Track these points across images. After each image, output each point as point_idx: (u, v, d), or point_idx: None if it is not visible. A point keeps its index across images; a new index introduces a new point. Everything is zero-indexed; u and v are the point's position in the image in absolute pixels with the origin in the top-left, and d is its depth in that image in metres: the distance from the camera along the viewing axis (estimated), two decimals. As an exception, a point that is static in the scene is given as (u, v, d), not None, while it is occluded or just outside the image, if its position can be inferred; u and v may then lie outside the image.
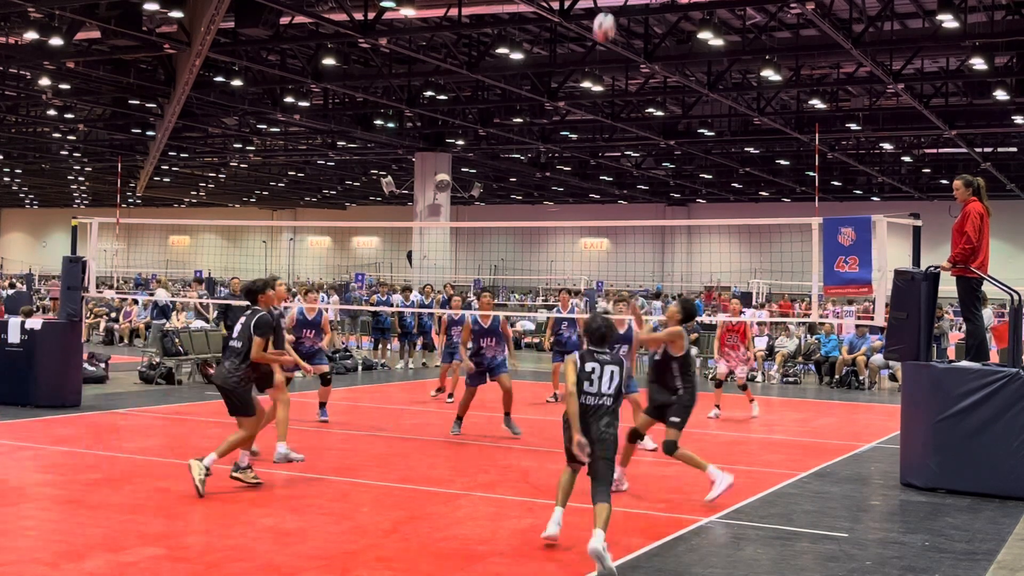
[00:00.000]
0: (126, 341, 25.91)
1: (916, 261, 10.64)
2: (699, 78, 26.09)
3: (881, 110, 30.56)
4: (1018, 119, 28.93)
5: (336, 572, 6.61)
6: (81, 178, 54.97)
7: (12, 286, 35.35)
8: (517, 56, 22.85)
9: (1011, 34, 21.26)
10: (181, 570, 6.55)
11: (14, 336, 13.75)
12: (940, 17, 19.31)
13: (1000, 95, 24.69)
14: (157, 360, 17.63)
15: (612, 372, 7.33)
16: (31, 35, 21.87)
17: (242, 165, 47.94)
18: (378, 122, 33.76)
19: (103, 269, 33.42)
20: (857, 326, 19.92)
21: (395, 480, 9.62)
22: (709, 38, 20.31)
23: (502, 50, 23.17)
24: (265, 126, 36.51)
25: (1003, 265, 24.12)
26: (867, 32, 21.12)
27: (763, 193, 50.77)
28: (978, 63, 22.28)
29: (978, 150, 35.47)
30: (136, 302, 26.72)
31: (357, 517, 8.13)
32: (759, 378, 21.04)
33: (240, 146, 40.94)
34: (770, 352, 21.41)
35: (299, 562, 6.76)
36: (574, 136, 36.41)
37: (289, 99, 29.83)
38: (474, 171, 46.26)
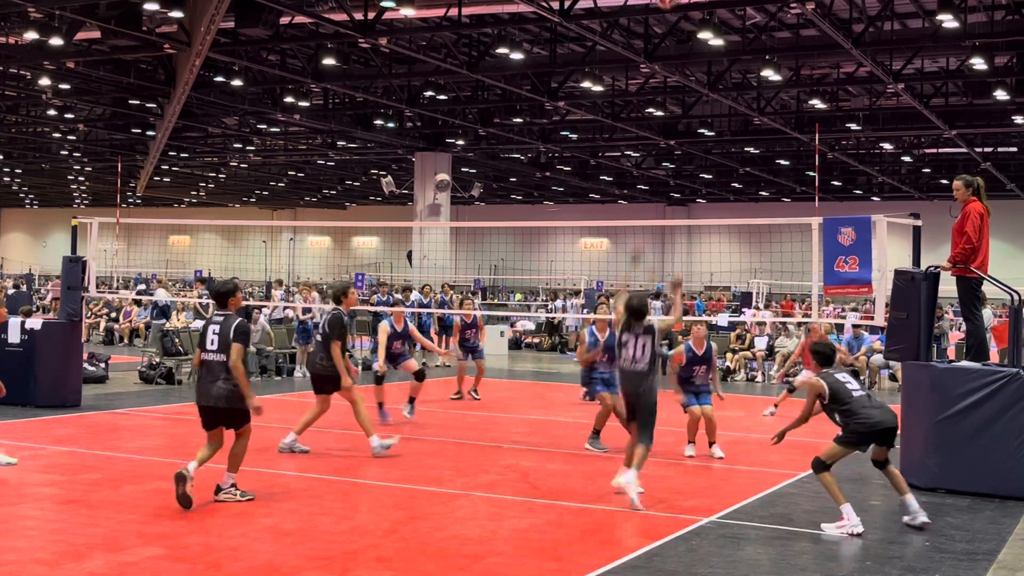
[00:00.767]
0: (126, 341, 25.91)
1: (916, 261, 10.64)
2: (699, 78, 26.08)
3: (881, 110, 30.56)
4: (1018, 119, 28.93)
5: (336, 572, 6.62)
6: (81, 178, 54.98)
7: (16, 287, 35.35)
8: (517, 56, 22.85)
9: (1011, 34, 21.26)
10: (181, 570, 6.55)
11: (14, 336, 13.75)
12: (940, 17, 19.31)
13: (1000, 95, 24.68)
14: (157, 360, 17.63)
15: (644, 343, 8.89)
16: (31, 35, 21.86)
17: (242, 165, 47.94)
18: (378, 122, 33.76)
19: (103, 269, 33.44)
20: (854, 327, 19.93)
21: (395, 480, 9.62)
22: (709, 38, 20.30)
23: (502, 50, 23.17)
24: (265, 126, 36.51)
25: (1003, 265, 24.11)
26: (867, 32, 21.11)
27: (763, 193, 50.78)
28: (978, 63, 22.28)
29: (978, 150, 35.46)
30: (137, 303, 26.72)
31: (357, 517, 8.13)
32: (759, 378, 21.04)
33: (240, 146, 40.94)
34: (770, 352, 21.41)
35: (299, 562, 6.76)
36: (574, 136, 36.41)
37: (289, 99, 29.83)
38: (474, 171, 46.26)
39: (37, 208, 75.61)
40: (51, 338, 13.85)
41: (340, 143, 39.27)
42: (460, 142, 36.74)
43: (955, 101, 28.50)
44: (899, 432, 10.43)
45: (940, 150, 37.89)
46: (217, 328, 8.36)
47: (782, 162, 41.09)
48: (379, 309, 21.81)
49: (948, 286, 10.16)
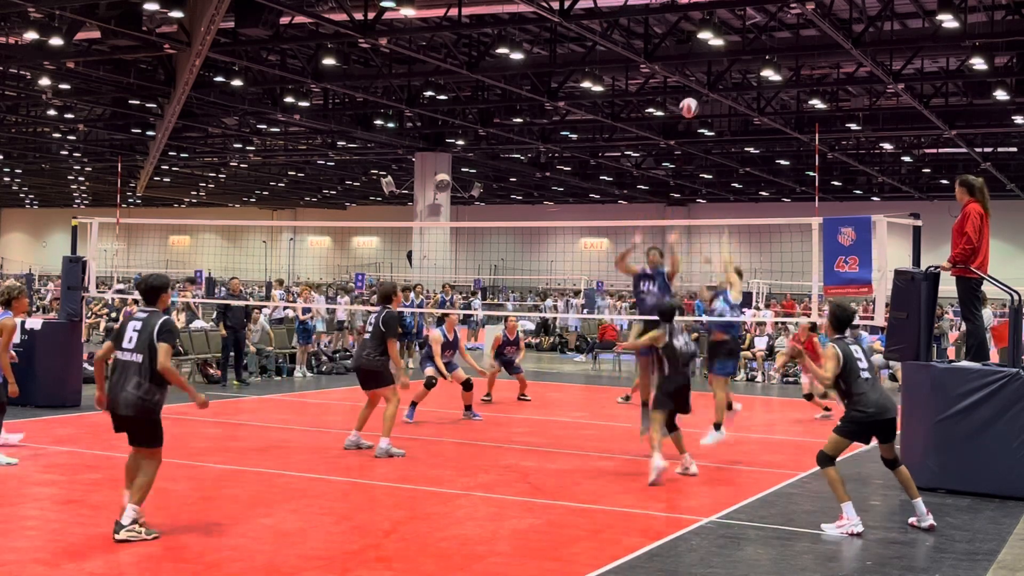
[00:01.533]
0: (126, 341, 25.87)
1: (916, 261, 10.64)
2: (699, 78, 26.08)
3: (881, 110, 30.56)
4: (1018, 119, 28.93)
5: (336, 572, 6.61)
6: (81, 178, 54.98)
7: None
8: (517, 56, 22.85)
9: (1011, 34, 21.26)
10: (181, 570, 6.55)
11: (14, 336, 13.74)
12: (940, 17, 19.31)
13: (1000, 95, 24.68)
14: (157, 360, 17.60)
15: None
16: (31, 35, 21.86)
17: (242, 165, 47.94)
18: (378, 122, 33.76)
19: (103, 269, 33.42)
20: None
21: (395, 480, 9.62)
22: (709, 38, 20.30)
23: (502, 50, 23.17)
24: (265, 126, 36.51)
25: (1003, 265, 24.10)
26: (867, 32, 21.11)
27: (763, 193, 50.78)
28: (978, 63, 22.28)
29: (978, 150, 35.46)
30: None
31: (357, 517, 8.13)
32: (759, 378, 21.04)
33: (240, 146, 40.94)
34: (770, 352, 21.41)
35: (299, 562, 6.76)
36: (574, 136, 36.41)
37: (289, 99, 29.83)
38: (474, 171, 46.26)
39: (37, 208, 75.61)
40: (51, 338, 13.85)
41: (340, 143, 39.27)
42: (460, 142, 36.74)
43: (955, 101, 28.50)
44: (899, 430, 10.46)
45: (940, 150, 37.88)
46: (139, 325, 7.35)
47: (782, 162, 41.09)
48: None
49: (948, 286, 10.16)
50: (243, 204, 65.80)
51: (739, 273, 12.64)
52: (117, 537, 6.97)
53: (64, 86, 29.23)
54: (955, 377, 9.66)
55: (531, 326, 31.71)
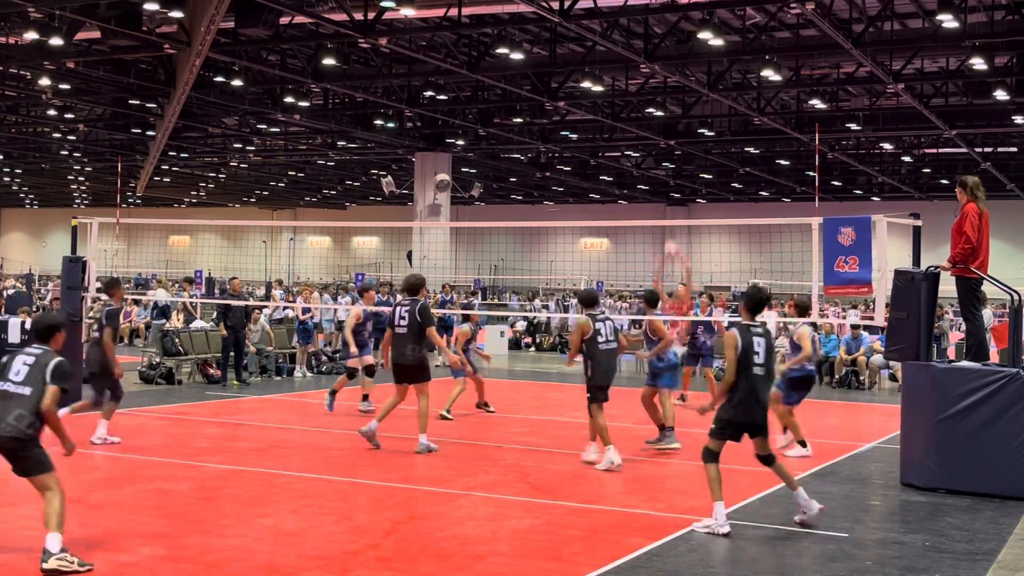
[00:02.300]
0: (126, 341, 25.91)
1: (916, 261, 10.64)
2: (699, 78, 26.08)
3: (881, 110, 30.55)
4: (1018, 119, 28.92)
5: (336, 572, 6.61)
6: (81, 178, 54.98)
7: (16, 287, 35.33)
8: (517, 56, 22.84)
9: (1011, 34, 21.25)
10: (181, 570, 6.55)
11: (14, 336, 13.76)
12: (940, 17, 19.30)
13: (1000, 95, 24.68)
14: (157, 360, 17.63)
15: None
16: (31, 35, 21.86)
17: (242, 165, 47.94)
18: (378, 122, 33.75)
19: (103, 269, 33.41)
20: (852, 327, 19.92)
21: (395, 480, 9.62)
22: (709, 38, 20.30)
23: (502, 50, 23.16)
24: (265, 126, 36.51)
25: (1003, 265, 24.06)
26: (867, 32, 21.11)
27: (763, 193, 50.76)
28: (978, 63, 22.28)
29: (978, 150, 35.45)
30: (137, 302, 26.74)
31: (357, 517, 8.13)
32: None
33: (240, 146, 40.94)
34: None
35: (299, 562, 6.76)
36: (574, 136, 36.41)
37: (289, 99, 29.82)
38: (474, 171, 46.26)
39: (37, 208, 75.61)
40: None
41: (340, 143, 39.27)
42: (460, 142, 36.73)
43: (955, 101, 28.50)
44: (899, 430, 10.46)
45: (940, 150, 37.88)
46: (31, 360, 7.04)
47: (782, 162, 41.08)
48: (379, 309, 21.81)
49: (948, 286, 10.16)
50: (243, 204, 65.78)
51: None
52: (45, 566, 6.53)
53: (64, 86, 29.22)
54: (955, 377, 9.66)
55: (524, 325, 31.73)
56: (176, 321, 21.55)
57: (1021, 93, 24.98)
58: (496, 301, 44.17)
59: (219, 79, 27.39)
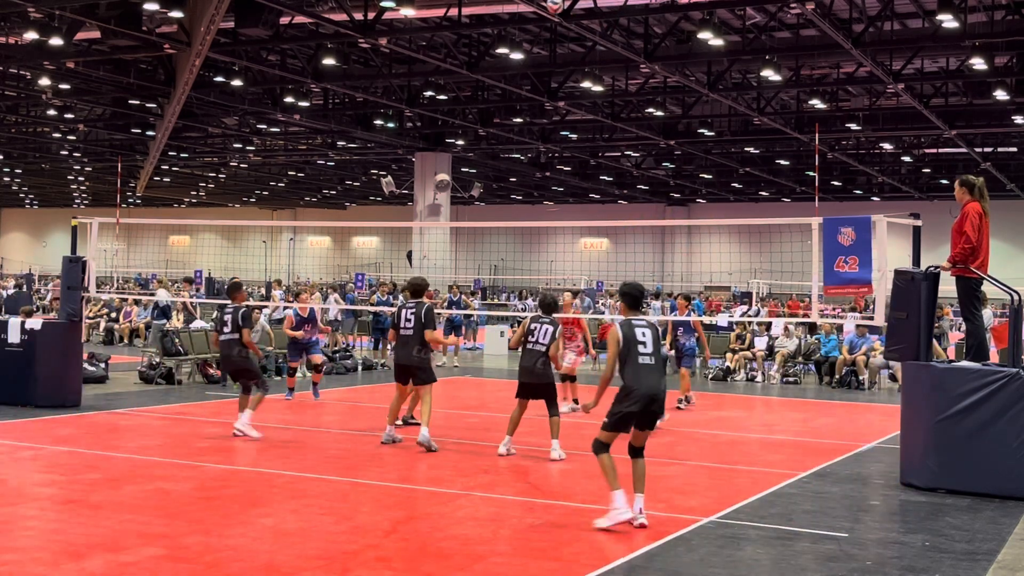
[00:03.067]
0: (126, 341, 25.91)
1: (916, 261, 10.64)
2: (699, 78, 26.09)
3: (881, 110, 30.56)
4: (1018, 119, 28.93)
5: (336, 572, 6.61)
6: (81, 178, 54.99)
7: (18, 287, 35.30)
8: (517, 56, 22.85)
9: (1011, 34, 21.26)
10: (181, 570, 6.55)
11: (14, 336, 13.75)
12: (940, 17, 19.31)
13: (1000, 95, 24.69)
14: (157, 360, 17.63)
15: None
16: (31, 35, 21.87)
17: (242, 165, 47.95)
18: (378, 122, 33.76)
19: (103, 269, 33.45)
20: (857, 326, 19.92)
21: (395, 480, 9.62)
22: (709, 38, 20.30)
23: (502, 50, 23.17)
24: (265, 126, 36.51)
25: (1003, 265, 24.13)
26: (867, 32, 21.12)
27: (763, 193, 50.78)
28: (978, 63, 22.29)
29: (978, 150, 35.47)
30: (137, 302, 26.73)
31: (357, 517, 8.13)
32: (759, 378, 21.03)
33: (240, 146, 40.94)
34: (770, 352, 21.40)
35: (299, 562, 6.76)
36: (574, 136, 36.42)
37: (289, 99, 29.83)
38: (474, 171, 46.27)
39: (37, 208, 75.62)
40: (51, 338, 13.84)
41: (340, 143, 39.28)
42: (460, 142, 36.74)
43: (955, 101, 28.51)
44: (899, 430, 10.46)
45: (940, 150, 37.89)
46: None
47: (782, 162, 41.09)
48: (379, 309, 21.83)
49: (948, 286, 10.16)
50: (243, 204, 65.79)
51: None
52: None
53: (64, 86, 29.22)
54: (955, 377, 9.66)
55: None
56: (176, 321, 21.54)
57: (1021, 93, 24.99)
58: (495, 301, 44.18)
59: (219, 79, 27.39)
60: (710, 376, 21.38)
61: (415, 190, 37.73)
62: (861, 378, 19.73)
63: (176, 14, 19.51)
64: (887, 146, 37.18)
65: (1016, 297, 9.79)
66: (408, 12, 19.61)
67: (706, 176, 45.15)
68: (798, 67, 25.81)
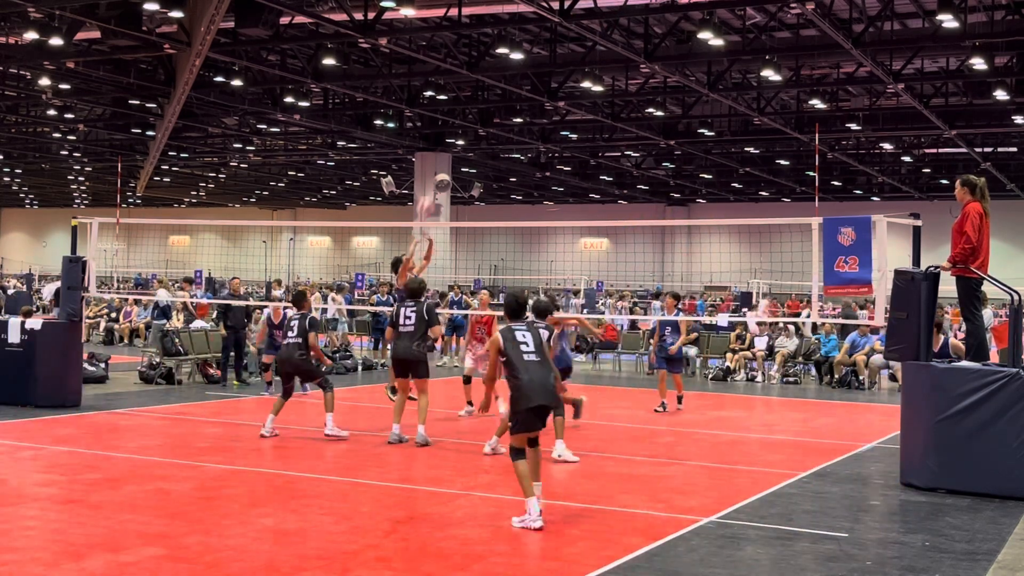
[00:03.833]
0: (126, 341, 25.91)
1: (916, 261, 10.64)
2: (699, 78, 26.09)
3: (881, 110, 30.56)
4: (1018, 119, 28.93)
5: (336, 572, 6.61)
6: (81, 178, 54.99)
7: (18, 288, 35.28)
8: (517, 56, 22.85)
9: (1011, 34, 21.26)
10: (181, 570, 6.55)
11: (14, 336, 13.75)
12: (940, 17, 19.31)
13: (1000, 95, 24.69)
14: (157, 360, 17.63)
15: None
16: (31, 35, 21.87)
17: (242, 165, 47.95)
18: (378, 122, 33.76)
19: (103, 269, 33.44)
20: (858, 326, 19.92)
21: (395, 480, 9.62)
22: (709, 38, 20.31)
23: (502, 50, 23.17)
24: (265, 126, 36.52)
25: (1003, 265, 24.12)
26: (867, 32, 21.12)
27: (763, 193, 50.79)
28: (978, 63, 22.29)
29: (978, 150, 35.47)
30: (137, 302, 26.74)
31: (357, 517, 8.13)
32: (759, 378, 21.03)
33: (240, 146, 40.95)
34: (770, 352, 21.40)
35: (299, 562, 6.76)
36: (574, 136, 36.42)
37: (289, 99, 29.83)
38: (474, 171, 46.27)
39: (37, 208, 75.62)
40: (51, 338, 13.84)
41: (340, 143, 39.27)
42: (460, 142, 36.74)
43: (955, 101, 28.51)
44: (899, 430, 10.45)
45: (940, 150, 37.90)
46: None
47: (782, 162, 41.09)
48: (379, 309, 21.82)
49: (948, 286, 10.16)
50: (243, 204, 65.79)
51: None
52: None
53: (64, 86, 29.23)
54: (955, 377, 9.66)
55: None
56: (176, 321, 21.54)
57: (1021, 93, 24.99)
58: (496, 301, 44.17)
59: (219, 79, 27.40)
60: (710, 376, 21.38)
61: (415, 190, 37.73)
62: (861, 378, 19.73)
63: (176, 14, 19.51)
64: (887, 146, 37.19)
65: (1016, 297, 9.79)
66: (408, 12, 19.61)
67: (706, 176, 45.15)
68: (798, 67, 25.81)
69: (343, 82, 27.86)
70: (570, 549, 7.30)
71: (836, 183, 45.97)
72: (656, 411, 15.01)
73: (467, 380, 14.39)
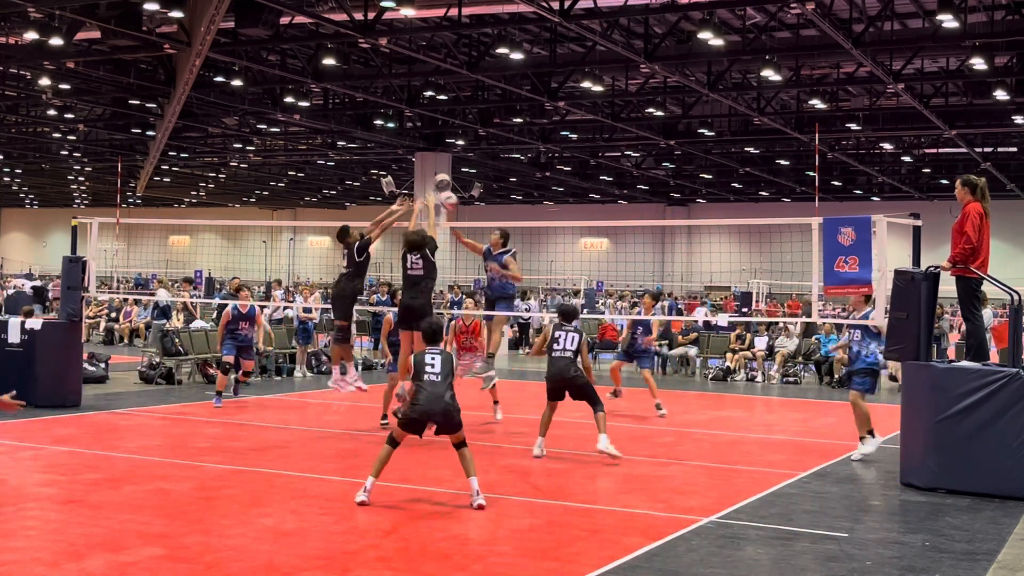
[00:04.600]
0: (126, 341, 25.91)
1: (916, 261, 10.64)
2: (699, 78, 26.08)
3: (881, 110, 30.55)
4: (1018, 119, 28.92)
5: (336, 572, 6.62)
6: (81, 178, 54.98)
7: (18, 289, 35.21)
8: (517, 56, 22.83)
9: (1011, 34, 21.25)
10: (181, 570, 6.55)
11: (14, 336, 13.75)
12: (940, 17, 19.30)
13: (1000, 95, 24.67)
14: (157, 360, 17.63)
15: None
16: (31, 35, 21.85)
17: (242, 165, 47.94)
18: (378, 122, 33.75)
19: (103, 269, 33.43)
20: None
21: (395, 480, 9.62)
22: (709, 38, 20.29)
23: (502, 50, 23.15)
24: (265, 126, 36.50)
25: (1003, 265, 24.10)
26: (867, 32, 21.11)
27: (763, 193, 50.77)
28: (978, 63, 22.28)
29: (978, 150, 35.46)
30: (137, 302, 26.75)
31: (357, 517, 8.13)
32: (759, 378, 21.03)
33: (240, 146, 40.93)
34: (770, 352, 21.40)
35: (299, 562, 6.76)
36: (574, 136, 36.40)
37: (289, 99, 29.82)
38: (474, 171, 46.26)
39: (37, 208, 75.60)
40: (51, 338, 13.84)
41: (340, 143, 39.26)
42: (460, 142, 36.73)
43: (955, 101, 28.49)
44: (899, 430, 10.45)
45: (940, 150, 37.88)
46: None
47: (782, 162, 41.08)
48: (379, 309, 21.81)
49: (948, 286, 10.16)
50: (243, 204, 65.78)
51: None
52: None
53: (64, 86, 29.22)
54: (955, 377, 9.66)
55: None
56: (176, 321, 21.55)
57: (1021, 93, 24.98)
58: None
59: (219, 79, 27.38)
60: (710, 376, 21.38)
61: (415, 190, 37.70)
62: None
63: (176, 14, 19.50)
64: (887, 146, 37.17)
65: (1016, 297, 9.79)
66: (408, 12, 19.60)
67: (706, 176, 45.13)
68: (798, 67, 25.80)
69: (343, 82, 27.84)
70: (570, 549, 7.30)
71: (836, 183, 45.95)
72: (608, 396, 15.16)
73: None
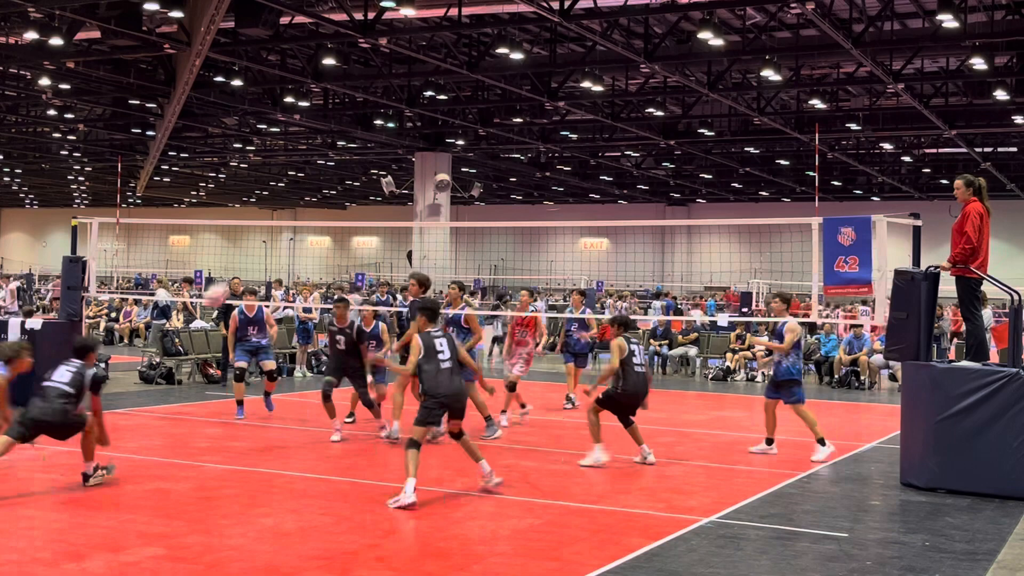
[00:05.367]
0: (126, 341, 25.91)
1: (916, 261, 10.64)
2: (699, 78, 26.09)
3: (881, 110, 30.56)
4: (1018, 119, 28.93)
5: (336, 572, 6.61)
6: (81, 178, 54.99)
7: (21, 288, 35.18)
8: (517, 56, 22.85)
9: (1011, 34, 21.27)
10: (181, 570, 6.55)
11: (14, 336, 13.74)
12: (940, 17, 19.31)
13: (1000, 95, 24.69)
14: (157, 360, 17.62)
15: None
16: (31, 35, 21.88)
17: (242, 165, 47.95)
18: (378, 122, 33.77)
19: (103, 269, 33.45)
20: (854, 327, 19.92)
21: (395, 480, 9.61)
22: (709, 38, 20.30)
23: (502, 50, 23.17)
24: (265, 126, 36.52)
25: (1003, 265, 24.12)
26: (867, 32, 21.12)
27: (763, 193, 50.79)
28: (978, 63, 22.29)
29: (978, 150, 35.47)
30: (137, 302, 26.74)
31: (357, 517, 8.13)
32: (759, 378, 21.02)
33: (240, 146, 40.94)
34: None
35: (299, 562, 6.76)
36: (574, 136, 36.42)
37: (289, 99, 29.83)
38: (474, 171, 46.27)
39: (37, 208, 75.61)
40: (51, 338, 13.82)
41: (340, 143, 39.27)
42: (460, 142, 36.74)
43: (955, 101, 28.51)
44: (899, 430, 10.46)
45: (940, 150, 37.91)
46: None
47: (782, 162, 41.09)
48: (378, 309, 21.76)
49: (948, 286, 10.16)
50: (243, 204, 65.79)
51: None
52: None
53: (64, 86, 29.23)
54: (955, 377, 9.66)
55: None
56: (176, 321, 21.54)
57: (1021, 93, 24.99)
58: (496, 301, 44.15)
59: (219, 79, 27.39)
60: (710, 376, 21.38)
61: (415, 190, 37.73)
62: (861, 378, 19.73)
63: (176, 14, 19.51)
64: (887, 146, 37.18)
65: (1016, 297, 9.79)
66: (408, 12, 19.61)
67: (706, 176, 45.15)
68: (798, 67, 25.81)
69: (343, 82, 27.86)
70: (570, 549, 7.30)
71: (836, 183, 45.97)
72: (565, 408, 15.27)
73: (512, 387, 13.77)
